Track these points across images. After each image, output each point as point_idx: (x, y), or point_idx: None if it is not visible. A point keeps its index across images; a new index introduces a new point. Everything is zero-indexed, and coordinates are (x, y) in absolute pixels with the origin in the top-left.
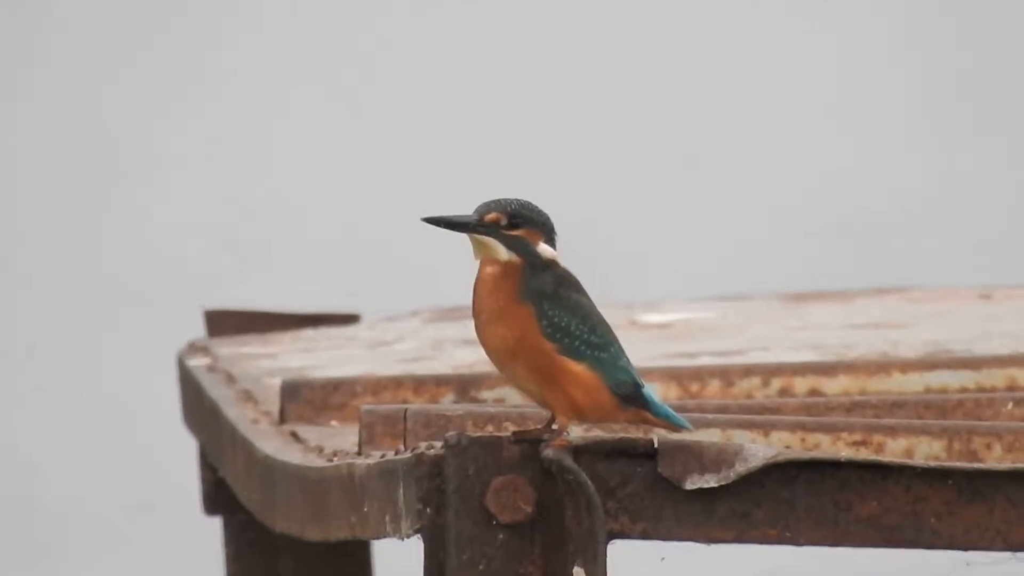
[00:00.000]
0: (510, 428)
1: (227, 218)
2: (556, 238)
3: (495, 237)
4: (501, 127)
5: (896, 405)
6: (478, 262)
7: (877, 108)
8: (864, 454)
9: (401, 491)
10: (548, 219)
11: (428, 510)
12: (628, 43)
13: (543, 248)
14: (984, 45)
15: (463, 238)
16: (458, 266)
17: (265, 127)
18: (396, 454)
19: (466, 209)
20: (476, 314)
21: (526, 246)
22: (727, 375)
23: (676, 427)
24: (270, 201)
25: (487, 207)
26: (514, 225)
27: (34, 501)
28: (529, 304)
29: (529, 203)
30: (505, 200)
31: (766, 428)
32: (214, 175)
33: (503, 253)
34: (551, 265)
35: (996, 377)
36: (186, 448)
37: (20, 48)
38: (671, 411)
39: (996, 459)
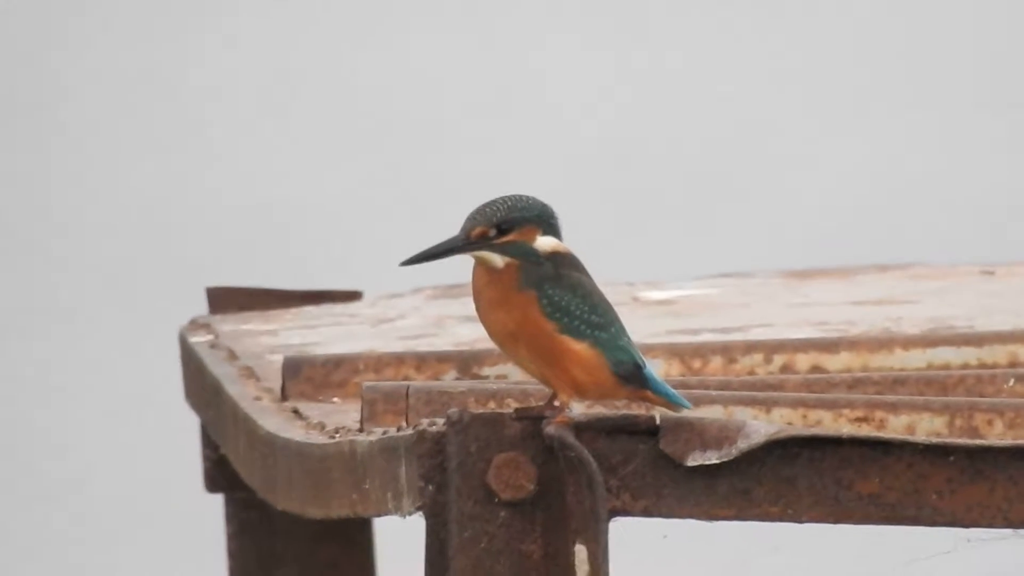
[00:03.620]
0: (512, 405)
1: (230, 197)
2: (556, 222)
3: (487, 250)
4: (503, 101)
5: (898, 381)
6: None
7: (881, 91)
8: (866, 431)
9: (403, 468)
10: (543, 209)
11: (429, 487)
12: (638, 32)
13: (541, 242)
14: (995, 29)
15: (460, 219)
16: None
17: (265, 122)
18: (398, 431)
19: (468, 185)
20: (475, 300)
21: (522, 247)
22: (729, 352)
23: (676, 406)
24: (276, 180)
25: (472, 221)
26: (504, 231)
27: (32, 477)
28: (529, 289)
29: (517, 201)
30: (490, 209)
31: (768, 405)
32: (217, 155)
33: (499, 261)
34: (552, 256)
35: (998, 353)
36: (188, 425)
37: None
38: (671, 390)
39: (997, 436)
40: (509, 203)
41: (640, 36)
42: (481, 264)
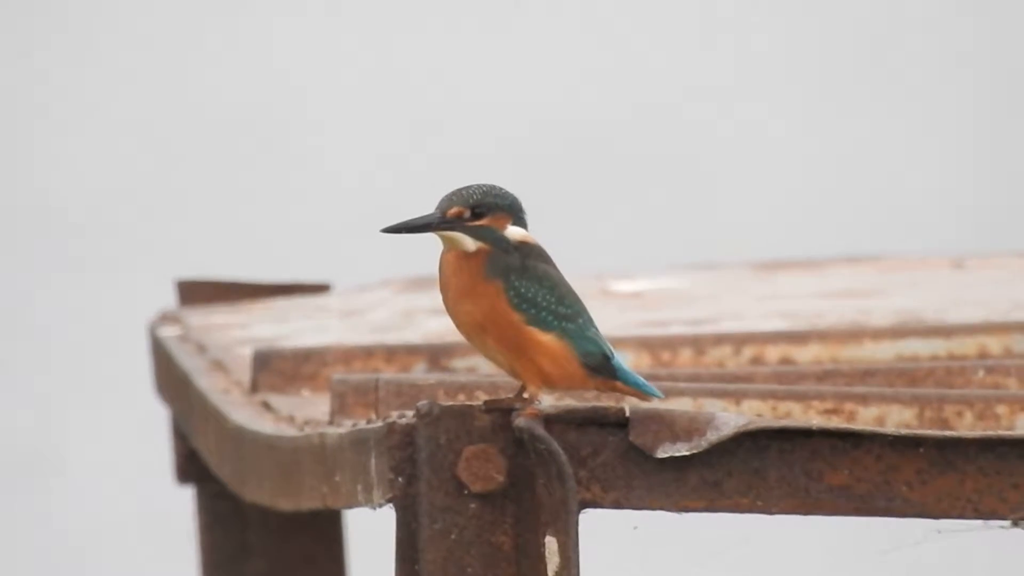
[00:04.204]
0: (482, 397)
1: (200, 183)
2: (525, 217)
3: (460, 231)
4: (475, 84)
5: (867, 373)
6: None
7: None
8: (835, 422)
9: (373, 461)
10: (514, 200)
11: (400, 479)
12: (605, 10)
13: (511, 231)
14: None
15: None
16: (429, 235)
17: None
18: (368, 424)
19: (437, 176)
20: (442, 291)
21: (493, 234)
22: (699, 344)
23: (646, 396)
24: (239, 170)
25: (449, 201)
26: (478, 215)
27: (2, 469)
28: (496, 279)
29: (492, 188)
30: (466, 191)
31: (737, 397)
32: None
33: (470, 244)
34: (521, 246)
35: (967, 345)
36: (158, 417)
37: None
38: (642, 380)
39: (967, 427)
40: (484, 189)
41: (611, 25)
42: (452, 246)
